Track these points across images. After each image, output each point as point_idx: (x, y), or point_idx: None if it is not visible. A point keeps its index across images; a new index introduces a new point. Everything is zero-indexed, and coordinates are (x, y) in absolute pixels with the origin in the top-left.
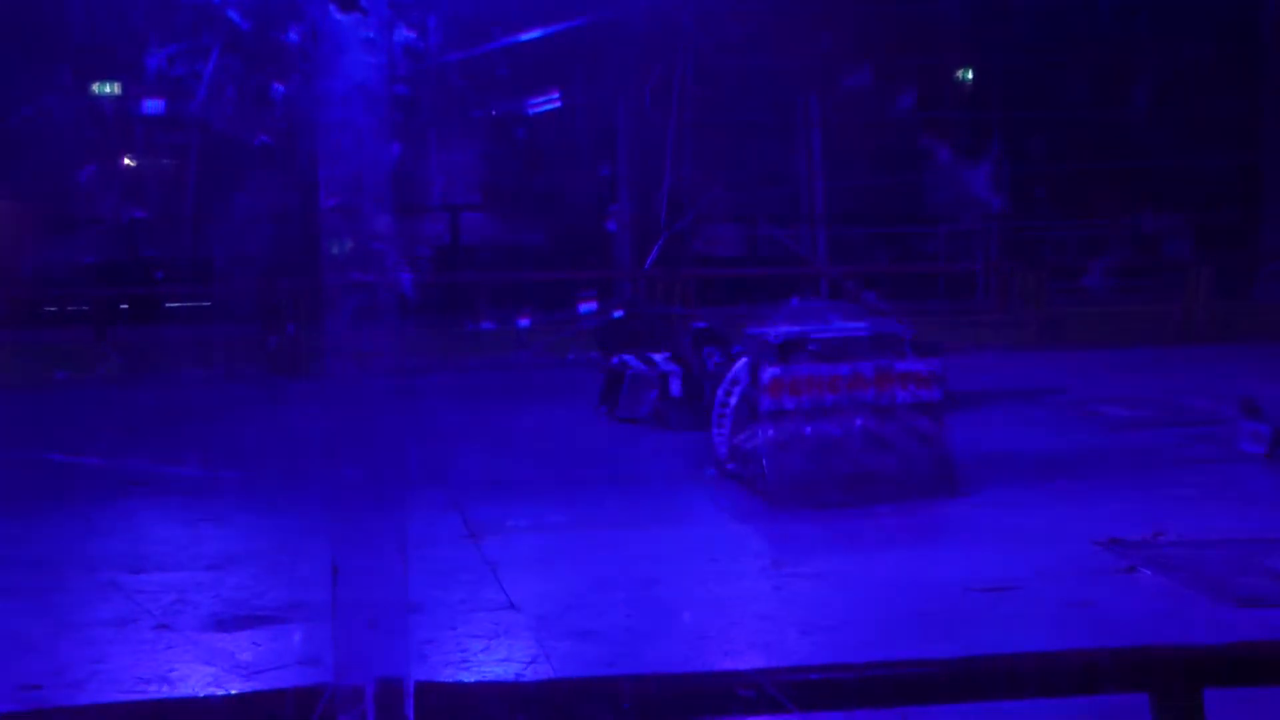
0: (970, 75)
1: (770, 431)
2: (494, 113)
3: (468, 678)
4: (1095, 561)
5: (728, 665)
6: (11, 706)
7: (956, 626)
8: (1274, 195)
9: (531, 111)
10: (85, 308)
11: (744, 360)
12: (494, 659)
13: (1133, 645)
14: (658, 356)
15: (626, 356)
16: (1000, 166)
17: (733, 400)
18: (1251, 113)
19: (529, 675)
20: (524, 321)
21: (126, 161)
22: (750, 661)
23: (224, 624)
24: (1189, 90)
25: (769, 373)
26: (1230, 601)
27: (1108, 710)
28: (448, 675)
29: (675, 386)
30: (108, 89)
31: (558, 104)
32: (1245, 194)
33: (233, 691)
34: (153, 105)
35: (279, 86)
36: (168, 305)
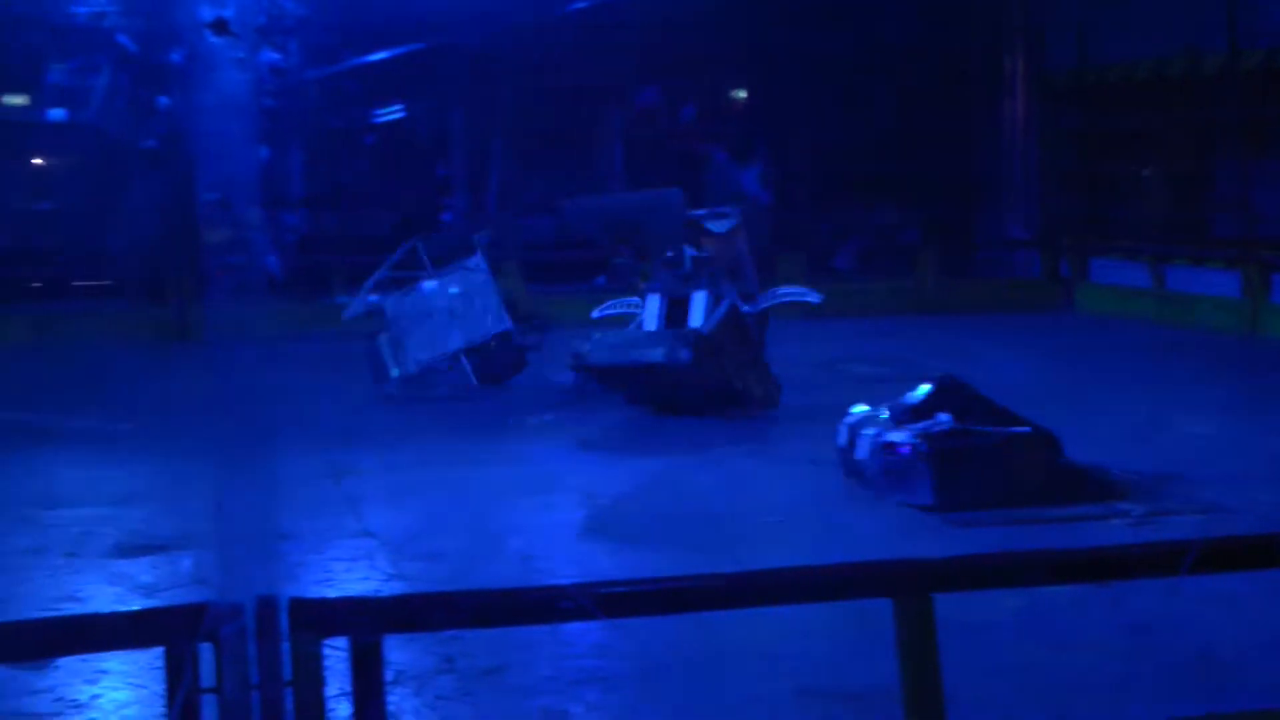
0: (744, 94)
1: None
2: (347, 122)
3: (332, 594)
4: (848, 490)
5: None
6: None
7: (741, 543)
8: (984, 195)
9: (378, 120)
10: None
11: None
12: (355, 578)
13: (877, 559)
14: None
15: None
16: (767, 169)
17: None
18: (966, 130)
19: (385, 591)
20: (373, 298)
21: (34, 161)
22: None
23: (125, 551)
24: (918, 110)
25: None
26: (954, 523)
27: (860, 611)
28: (315, 592)
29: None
30: (16, 100)
31: (401, 114)
32: (963, 193)
33: (134, 608)
34: (55, 114)
35: (163, 99)
36: (73, 284)
